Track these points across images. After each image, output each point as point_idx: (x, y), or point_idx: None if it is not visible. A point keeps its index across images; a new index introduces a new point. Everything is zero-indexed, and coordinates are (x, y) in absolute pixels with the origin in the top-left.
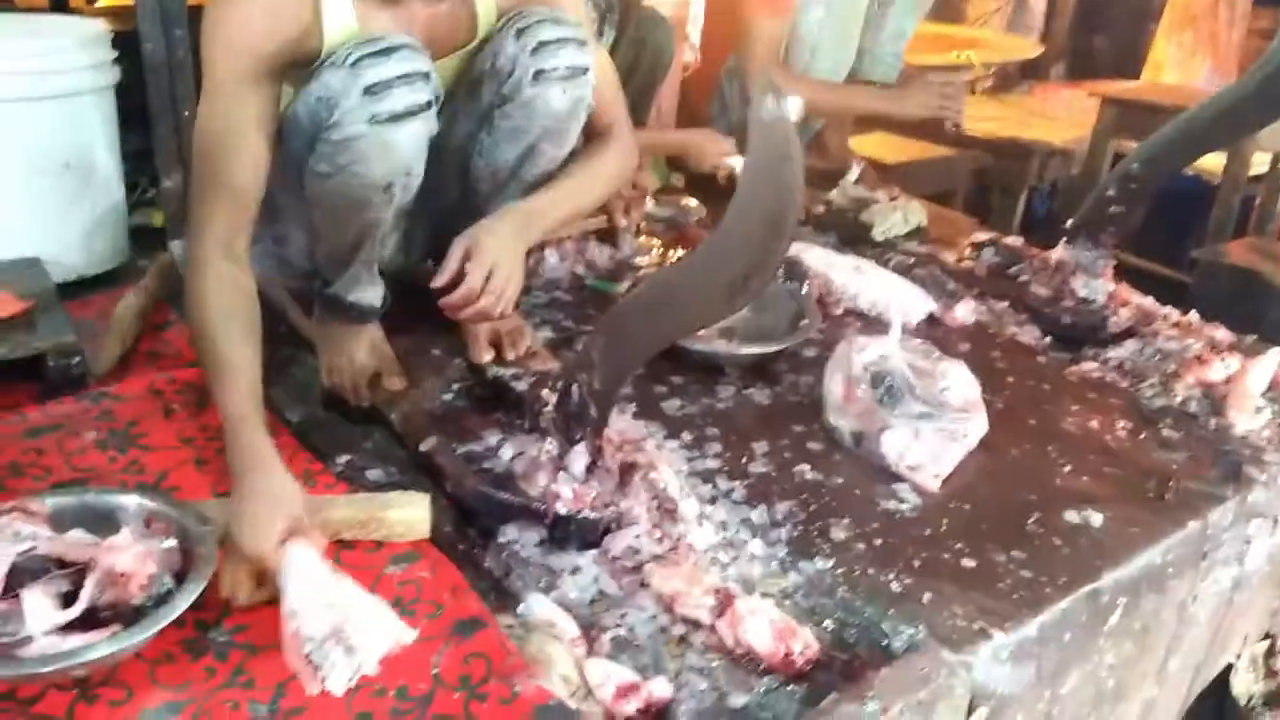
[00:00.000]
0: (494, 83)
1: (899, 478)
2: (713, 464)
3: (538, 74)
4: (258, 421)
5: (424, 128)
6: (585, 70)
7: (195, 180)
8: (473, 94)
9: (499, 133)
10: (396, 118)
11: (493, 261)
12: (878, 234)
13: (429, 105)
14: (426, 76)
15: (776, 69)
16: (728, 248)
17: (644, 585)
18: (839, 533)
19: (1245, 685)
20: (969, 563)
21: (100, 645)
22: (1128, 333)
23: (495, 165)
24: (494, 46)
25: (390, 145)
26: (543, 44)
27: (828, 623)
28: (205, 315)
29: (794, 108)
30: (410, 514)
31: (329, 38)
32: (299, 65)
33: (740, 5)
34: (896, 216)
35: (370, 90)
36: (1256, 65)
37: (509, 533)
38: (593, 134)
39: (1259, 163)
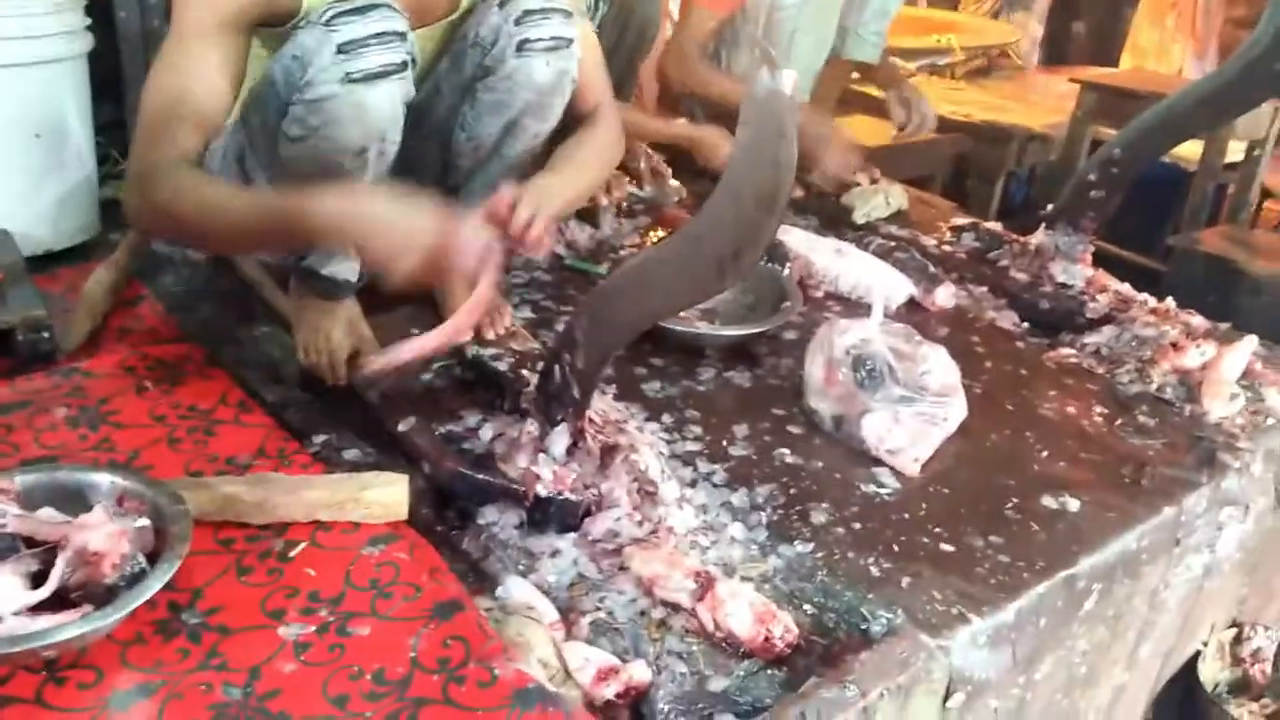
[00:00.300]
0: (477, 53)
1: (879, 462)
2: (693, 447)
3: (521, 44)
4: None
5: (399, 89)
6: (570, 42)
7: (144, 112)
8: (455, 65)
9: (481, 105)
10: (370, 77)
11: (536, 206)
12: (858, 217)
13: (404, 66)
14: (402, 36)
15: (700, 60)
16: (718, 224)
17: (624, 568)
18: (819, 516)
19: (1212, 672)
20: (947, 547)
21: (70, 626)
22: (1105, 319)
23: (477, 139)
24: (477, 16)
25: (364, 106)
26: (527, 13)
27: (807, 607)
28: (201, 192)
29: (789, 81)
30: (388, 495)
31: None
32: (271, 23)
33: None
34: (878, 200)
35: (344, 49)
36: (1237, 53)
37: (488, 514)
38: (577, 115)
39: (1234, 151)
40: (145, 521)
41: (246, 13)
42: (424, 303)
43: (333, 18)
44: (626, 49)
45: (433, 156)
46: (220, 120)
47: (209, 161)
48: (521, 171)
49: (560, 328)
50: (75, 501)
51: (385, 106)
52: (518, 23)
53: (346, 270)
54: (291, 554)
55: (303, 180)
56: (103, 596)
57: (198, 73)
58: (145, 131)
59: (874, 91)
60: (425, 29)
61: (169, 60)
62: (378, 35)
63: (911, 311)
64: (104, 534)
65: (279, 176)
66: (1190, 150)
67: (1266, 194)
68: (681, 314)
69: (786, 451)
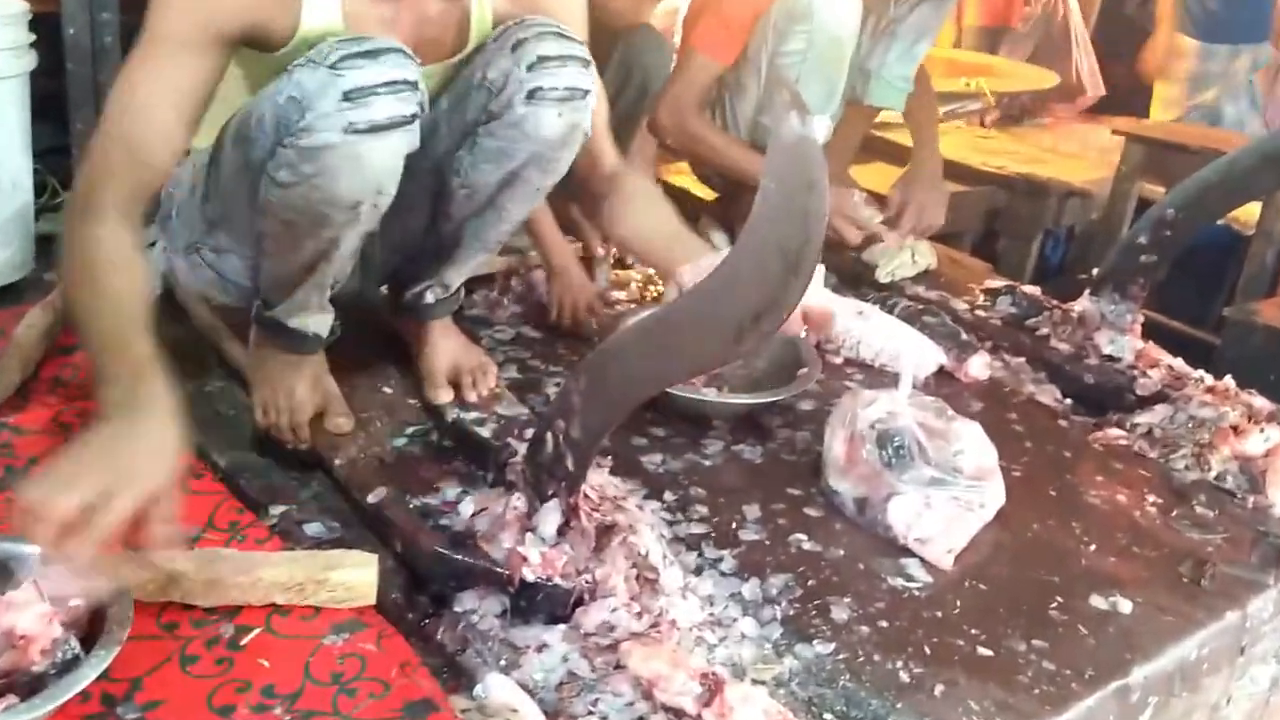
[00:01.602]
0: (482, 95)
1: (907, 552)
2: (698, 529)
3: (533, 92)
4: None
5: (404, 142)
6: (586, 93)
7: (101, 134)
8: (457, 106)
9: (481, 152)
10: (376, 129)
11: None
12: (882, 275)
13: (413, 118)
14: (414, 86)
15: (697, 114)
16: (738, 282)
17: (620, 667)
18: (840, 612)
19: None
20: (985, 651)
21: None
22: (1157, 397)
23: (473, 188)
24: (486, 57)
25: (364, 159)
26: (542, 59)
27: (828, 716)
28: (95, 256)
29: (821, 128)
30: (354, 576)
31: (305, 26)
32: (256, 46)
33: (686, 31)
34: (903, 257)
35: (350, 96)
36: None
37: (467, 601)
38: (589, 177)
39: None
40: (80, 601)
41: (231, 29)
42: (400, 359)
43: (340, 59)
44: (627, 102)
45: (421, 201)
46: (166, 171)
47: (173, 188)
48: (517, 228)
49: (550, 391)
50: (0, 576)
51: (387, 160)
52: (530, 69)
53: (318, 323)
54: (243, 642)
55: (285, 228)
56: (29, 685)
57: (162, 97)
58: (96, 160)
59: (899, 138)
60: (428, 66)
61: (135, 76)
62: (389, 84)
63: (942, 383)
64: (33, 614)
65: (259, 219)
66: (1246, 213)
67: None
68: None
69: (803, 537)
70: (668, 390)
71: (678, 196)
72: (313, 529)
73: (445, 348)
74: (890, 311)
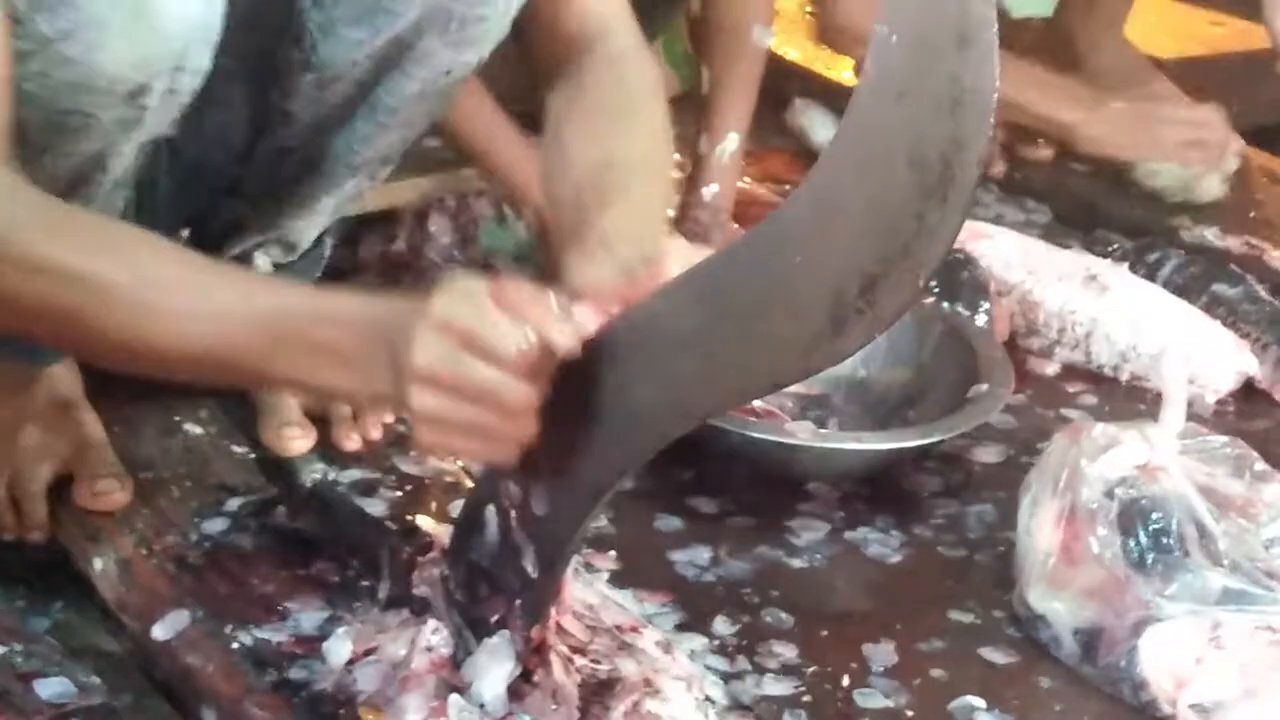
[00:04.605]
0: None
1: None
2: (780, 688)
3: None
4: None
5: None
6: None
7: None
8: None
9: (343, 8)
10: None
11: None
12: (1163, 189)
13: None
14: None
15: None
16: (831, 222)
17: None
18: None
19: None
20: None
21: None
22: None
23: (328, 69)
24: None
25: (152, 4)
26: None
27: None
28: (47, 252)
29: None
30: None
31: None
32: None
33: None
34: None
35: None
36: None
37: None
38: (555, 52)
39: None
40: None
41: None
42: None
43: None
44: None
45: (240, 103)
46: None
47: None
48: (412, 151)
49: None
50: None
51: (195, 9)
52: None
53: None
54: None
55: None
56: None
57: None
58: None
59: None
60: None
61: None
62: None
63: (1249, 409)
64: None
65: None
66: None
67: None
68: (756, 404)
69: (979, 703)
70: (716, 425)
71: (779, 68)
72: (51, 685)
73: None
74: (1154, 276)
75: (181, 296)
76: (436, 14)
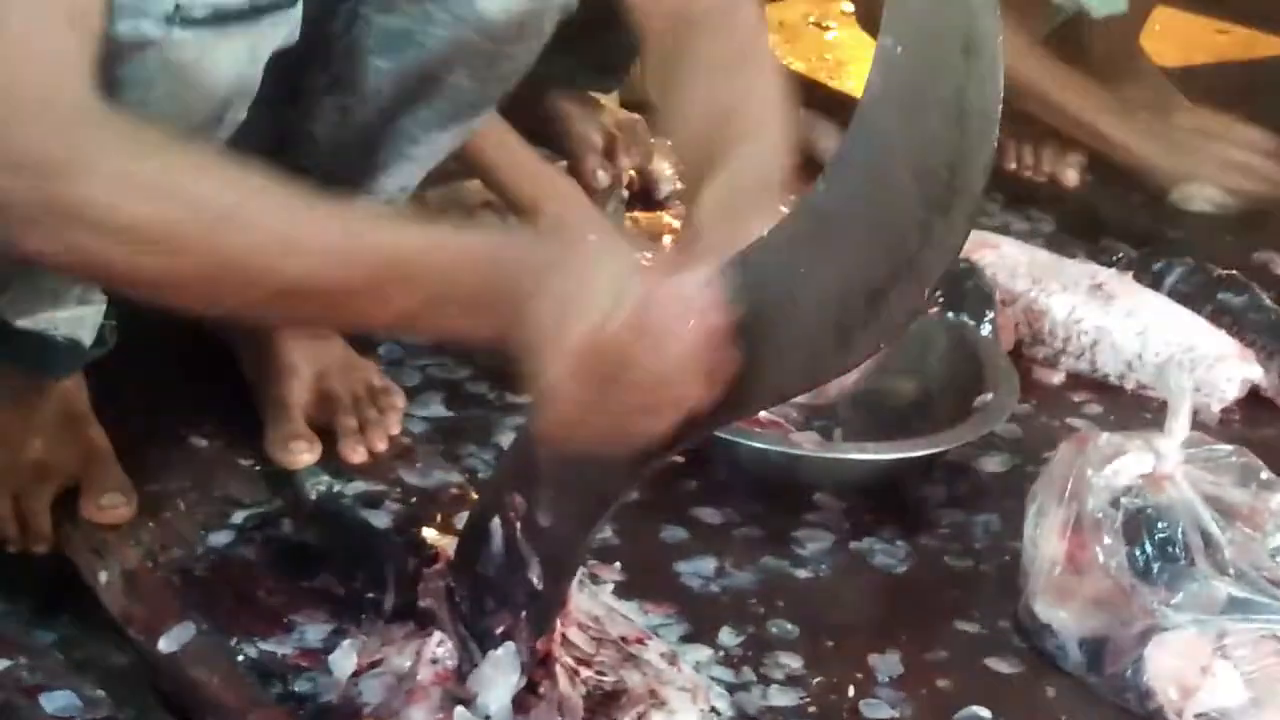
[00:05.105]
0: None
1: None
2: (785, 699)
3: None
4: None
5: (268, 39)
6: None
7: None
8: None
9: (371, 37)
10: (222, 18)
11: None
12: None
13: (290, 2)
14: None
15: None
16: (838, 231)
17: None
18: None
19: None
20: None
21: None
22: None
23: (353, 96)
24: None
25: (201, 68)
26: None
27: None
28: (188, 197)
29: None
30: None
31: None
32: None
33: None
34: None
35: None
36: None
37: None
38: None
39: None
40: None
41: None
42: (219, 386)
43: None
44: None
45: (267, 118)
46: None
47: None
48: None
49: (505, 439)
50: None
51: (240, 68)
52: None
53: (73, 322)
54: None
55: None
56: None
57: None
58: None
59: None
60: None
61: None
62: None
63: (1254, 417)
64: None
65: None
66: None
67: None
68: (762, 416)
69: (985, 713)
70: (721, 436)
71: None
72: (58, 700)
73: (306, 366)
74: (1160, 285)
75: (283, 218)
76: (466, 49)
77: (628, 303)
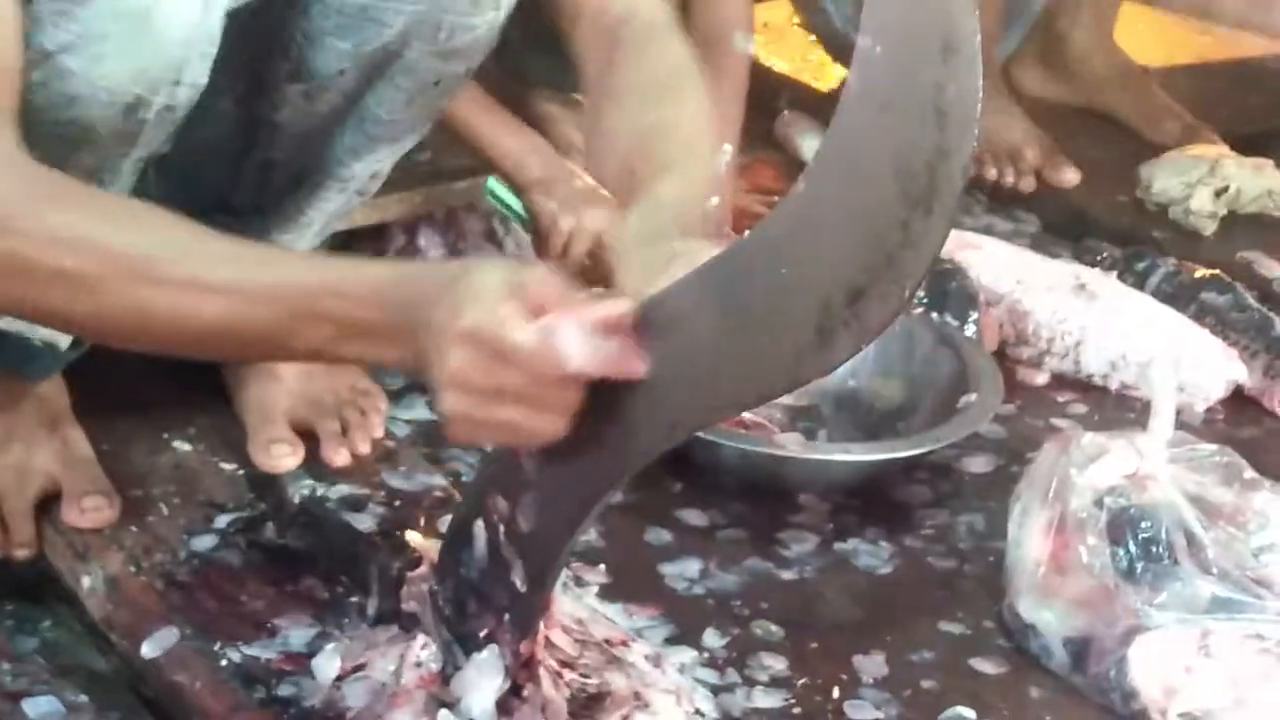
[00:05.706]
0: None
1: None
2: (770, 700)
3: None
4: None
5: None
6: None
7: None
8: None
9: (329, 17)
10: None
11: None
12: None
13: None
14: None
15: None
16: (817, 232)
17: None
18: None
19: None
20: None
21: None
22: None
23: (314, 80)
24: None
25: (154, 19)
26: None
27: None
28: (105, 249)
29: None
30: None
31: None
32: None
33: None
34: (1198, 174)
35: None
36: None
37: None
38: (586, 27)
39: None
40: None
41: None
42: (201, 389)
43: None
44: None
45: (226, 114)
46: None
47: None
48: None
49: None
50: None
51: (196, 22)
52: None
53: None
54: None
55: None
56: None
57: None
58: None
59: None
60: None
61: None
62: None
63: (1238, 417)
64: None
65: None
66: None
67: None
68: (745, 415)
69: (969, 714)
70: (705, 438)
71: (766, 80)
72: (38, 707)
73: (288, 369)
74: (1143, 285)
75: (196, 266)
76: (424, 24)
77: (512, 294)
